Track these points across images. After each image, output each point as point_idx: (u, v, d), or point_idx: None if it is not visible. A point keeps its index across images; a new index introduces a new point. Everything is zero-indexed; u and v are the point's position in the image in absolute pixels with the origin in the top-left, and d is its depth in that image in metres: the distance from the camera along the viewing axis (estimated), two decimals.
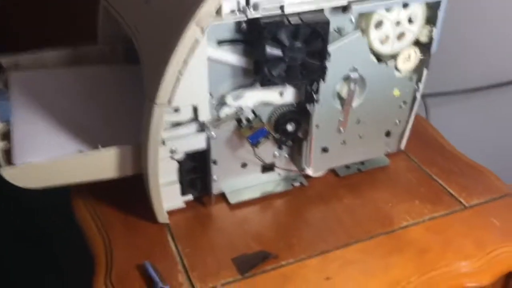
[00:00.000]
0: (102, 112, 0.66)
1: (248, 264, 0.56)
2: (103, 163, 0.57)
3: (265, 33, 0.51)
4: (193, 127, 0.57)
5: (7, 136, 0.61)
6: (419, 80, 0.64)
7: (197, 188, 0.63)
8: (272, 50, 0.52)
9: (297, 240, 0.59)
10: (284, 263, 0.57)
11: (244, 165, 0.63)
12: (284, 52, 0.52)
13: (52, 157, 0.56)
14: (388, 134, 0.67)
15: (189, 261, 0.57)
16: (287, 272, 0.56)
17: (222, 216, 0.63)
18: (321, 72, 0.55)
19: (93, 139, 0.60)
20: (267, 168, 0.65)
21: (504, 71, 0.78)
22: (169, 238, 0.59)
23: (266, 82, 0.54)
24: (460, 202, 0.65)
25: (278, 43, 0.52)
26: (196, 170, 0.61)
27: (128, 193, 0.63)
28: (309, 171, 0.64)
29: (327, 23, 0.52)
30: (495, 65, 0.78)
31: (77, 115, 0.65)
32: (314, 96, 0.58)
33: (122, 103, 0.67)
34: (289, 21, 0.51)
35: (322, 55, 0.54)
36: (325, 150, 0.63)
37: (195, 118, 0.55)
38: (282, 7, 0.51)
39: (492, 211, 0.64)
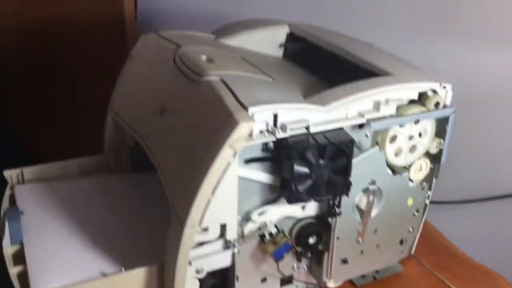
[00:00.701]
0: (118, 225, 0.65)
1: None
2: (128, 285, 0.55)
3: (293, 152, 0.53)
4: (219, 244, 0.56)
5: (22, 258, 0.59)
6: (429, 188, 0.66)
7: None
8: (300, 168, 0.53)
9: None
10: None
11: (264, 280, 0.62)
12: (311, 170, 0.54)
13: (73, 282, 0.54)
14: (401, 241, 0.68)
15: None
16: None
17: None
18: (345, 188, 0.56)
19: (112, 257, 0.59)
20: (286, 281, 0.64)
21: (499, 184, 0.82)
22: None
23: (293, 198, 0.55)
24: None
25: (305, 161, 0.53)
26: (216, 287, 0.60)
27: None
28: (330, 284, 0.64)
29: (352, 141, 0.54)
30: (493, 178, 0.82)
31: (92, 230, 0.64)
32: (336, 209, 0.59)
33: (138, 216, 0.67)
34: (316, 140, 0.53)
35: (347, 171, 0.56)
36: (344, 261, 0.64)
37: (222, 236, 0.55)
38: (307, 127, 0.54)
39: None
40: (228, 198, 0.53)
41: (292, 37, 0.79)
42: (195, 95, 0.59)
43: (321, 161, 0.54)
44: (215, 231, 0.55)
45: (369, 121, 0.57)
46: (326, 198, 0.58)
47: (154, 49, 0.73)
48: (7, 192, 0.72)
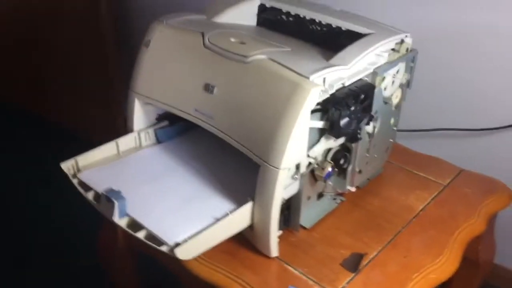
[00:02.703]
0: (198, 181, 0.82)
1: (353, 264, 0.78)
2: (238, 221, 0.74)
3: (340, 101, 0.74)
4: (292, 178, 0.76)
5: (136, 226, 0.74)
6: (400, 109, 0.93)
7: (282, 224, 0.82)
8: (344, 112, 0.75)
9: (367, 239, 0.83)
10: (373, 255, 0.80)
11: (309, 198, 0.85)
12: (350, 112, 0.76)
13: (198, 230, 0.72)
14: (386, 150, 0.94)
15: (313, 275, 0.77)
16: (379, 261, 0.80)
17: (308, 239, 0.83)
18: (369, 119, 0.80)
19: (211, 205, 0.77)
20: (320, 195, 0.87)
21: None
22: (287, 266, 0.78)
23: (339, 134, 0.77)
24: (441, 183, 0.96)
25: (346, 106, 0.75)
26: (285, 209, 0.81)
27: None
28: (352, 189, 0.89)
29: (373, 87, 0.78)
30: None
31: (176, 188, 0.81)
32: (359, 136, 0.82)
33: (208, 170, 0.84)
34: (351, 91, 0.75)
35: (370, 108, 0.79)
36: (360, 172, 0.88)
37: (296, 172, 0.76)
38: (344, 84, 0.75)
39: (461, 184, 0.96)
40: (303, 143, 0.74)
41: (264, 8, 0.97)
42: (247, 72, 0.76)
43: (355, 105, 0.76)
44: (293, 169, 0.75)
45: (375, 70, 0.80)
46: (357, 129, 0.80)
47: (172, 38, 0.86)
48: (75, 181, 0.83)
